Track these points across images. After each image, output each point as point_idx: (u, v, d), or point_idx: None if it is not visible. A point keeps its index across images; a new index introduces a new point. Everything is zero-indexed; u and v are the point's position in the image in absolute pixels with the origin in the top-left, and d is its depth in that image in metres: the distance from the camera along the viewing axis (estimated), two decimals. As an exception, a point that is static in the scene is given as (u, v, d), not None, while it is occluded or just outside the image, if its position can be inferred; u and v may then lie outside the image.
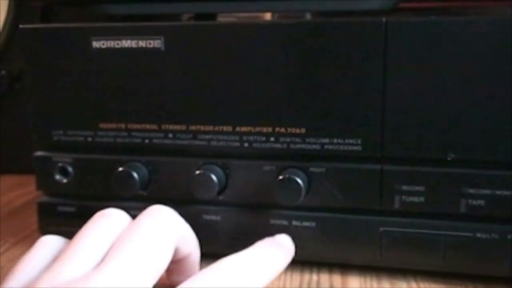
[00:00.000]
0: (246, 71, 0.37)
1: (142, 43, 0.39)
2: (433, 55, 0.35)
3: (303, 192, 0.37)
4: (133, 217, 0.41)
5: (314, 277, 0.39)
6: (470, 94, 0.35)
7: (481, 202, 0.36)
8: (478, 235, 0.36)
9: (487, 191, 0.36)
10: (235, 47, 0.37)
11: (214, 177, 0.38)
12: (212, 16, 0.56)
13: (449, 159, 0.36)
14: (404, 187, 0.37)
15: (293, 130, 0.38)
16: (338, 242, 0.39)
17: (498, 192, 0.36)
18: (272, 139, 0.38)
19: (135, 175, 0.39)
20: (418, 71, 0.35)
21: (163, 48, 0.38)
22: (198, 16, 0.52)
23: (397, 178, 0.37)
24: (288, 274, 0.39)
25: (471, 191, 0.36)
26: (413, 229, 0.37)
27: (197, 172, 0.38)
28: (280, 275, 0.39)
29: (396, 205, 0.37)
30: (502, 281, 0.37)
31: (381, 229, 0.38)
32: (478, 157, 0.35)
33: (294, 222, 0.39)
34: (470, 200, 0.36)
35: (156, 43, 0.39)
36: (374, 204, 0.37)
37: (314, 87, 0.37)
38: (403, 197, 0.37)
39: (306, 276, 0.39)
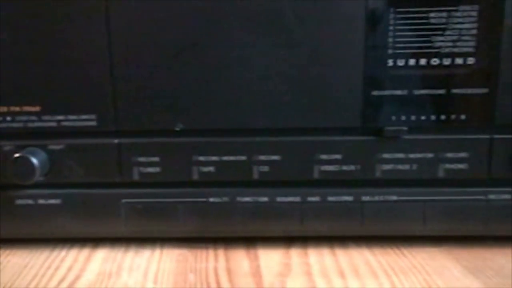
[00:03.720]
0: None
1: None
2: (156, 31, 0.36)
3: (38, 171, 0.37)
4: None
5: (63, 253, 0.40)
6: (191, 67, 0.36)
7: (211, 168, 0.38)
8: (211, 199, 0.39)
9: (215, 158, 0.38)
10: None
11: None
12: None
13: (177, 129, 0.38)
14: (141, 159, 0.38)
15: (28, 109, 0.38)
16: (84, 217, 0.39)
17: (225, 158, 0.38)
18: (8, 118, 0.38)
19: None
20: (142, 46, 0.36)
21: None
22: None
23: (133, 150, 0.38)
24: (39, 251, 0.40)
25: (201, 158, 0.38)
26: (152, 198, 0.39)
27: None
28: (28, 253, 0.39)
29: (135, 177, 0.39)
30: (238, 241, 0.40)
31: (123, 200, 0.39)
32: (204, 126, 0.38)
33: (40, 201, 0.39)
34: (201, 167, 0.38)
35: None
36: (114, 177, 0.39)
37: (44, 64, 0.37)
38: (141, 168, 0.38)
39: (55, 253, 0.39)
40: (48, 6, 0.36)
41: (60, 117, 0.38)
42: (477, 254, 0.39)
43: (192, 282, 0.35)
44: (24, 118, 0.38)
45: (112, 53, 0.36)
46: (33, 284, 0.35)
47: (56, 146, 0.38)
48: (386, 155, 0.37)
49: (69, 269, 0.37)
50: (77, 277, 0.36)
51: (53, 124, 0.38)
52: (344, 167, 0.38)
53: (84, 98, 0.37)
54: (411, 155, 0.37)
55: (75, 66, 0.37)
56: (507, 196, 0.38)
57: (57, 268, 0.37)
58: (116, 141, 0.38)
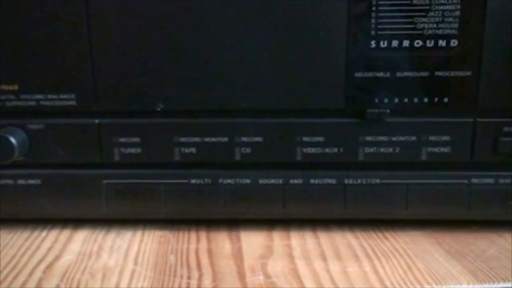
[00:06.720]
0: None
1: None
2: (135, 9, 0.35)
3: (17, 150, 0.37)
4: None
5: (43, 233, 0.39)
6: (172, 47, 0.36)
7: (192, 149, 0.38)
8: (193, 181, 0.38)
9: (197, 139, 0.38)
10: None
11: None
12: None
13: (158, 109, 0.37)
14: (122, 139, 0.38)
15: (6, 87, 0.37)
16: (64, 198, 0.39)
17: (207, 139, 0.38)
18: (-14, 97, 0.37)
19: None
20: (121, 25, 0.36)
21: None
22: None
23: (114, 131, 0.38)
24: (19, 232, 0.39)
25: (183, 139, 0.38)
26: (134, 179, 0.39)
27: None
28: (8, 233, 0.39)
29: (116, 158, 0.38)
30: (220, 223, 0.40)
31: (104, 181, 0.39)
32: (185, 107, 0.37)
33: (20, 181, 0.39)
34: (182, 148, 0.38)
35: None
36: (95, 158, 0.38)
37: (22, 42, 0.36)
38: (122, 149, 0.38)
39: (35, 234, 0.39)
40: (26, -17, 0.35)
41: (39, 96, 0.37)
42: (460, 238, 0.39)
43: (172, 263, 0.35)
44: (2, 97, 0.37)
45: (92, 31, 0.36)
46: (11, 263, 0.35)
47: (35, 125, 0.38)
48: (368, 138, 0.37)
49: (49, 249, 0.37)
50: (57, 257, 0.36)
51: (32, 103, 0.37)
52: (327, 150, 0.37)
53: (63, 77, 0.37)
54: (394, 138, 0.37)
55: (54, 44, 0.36)
56: (490, 180, 0.37)
57: (37, 248, 0.37)
58: (96, 121, 0.38)
